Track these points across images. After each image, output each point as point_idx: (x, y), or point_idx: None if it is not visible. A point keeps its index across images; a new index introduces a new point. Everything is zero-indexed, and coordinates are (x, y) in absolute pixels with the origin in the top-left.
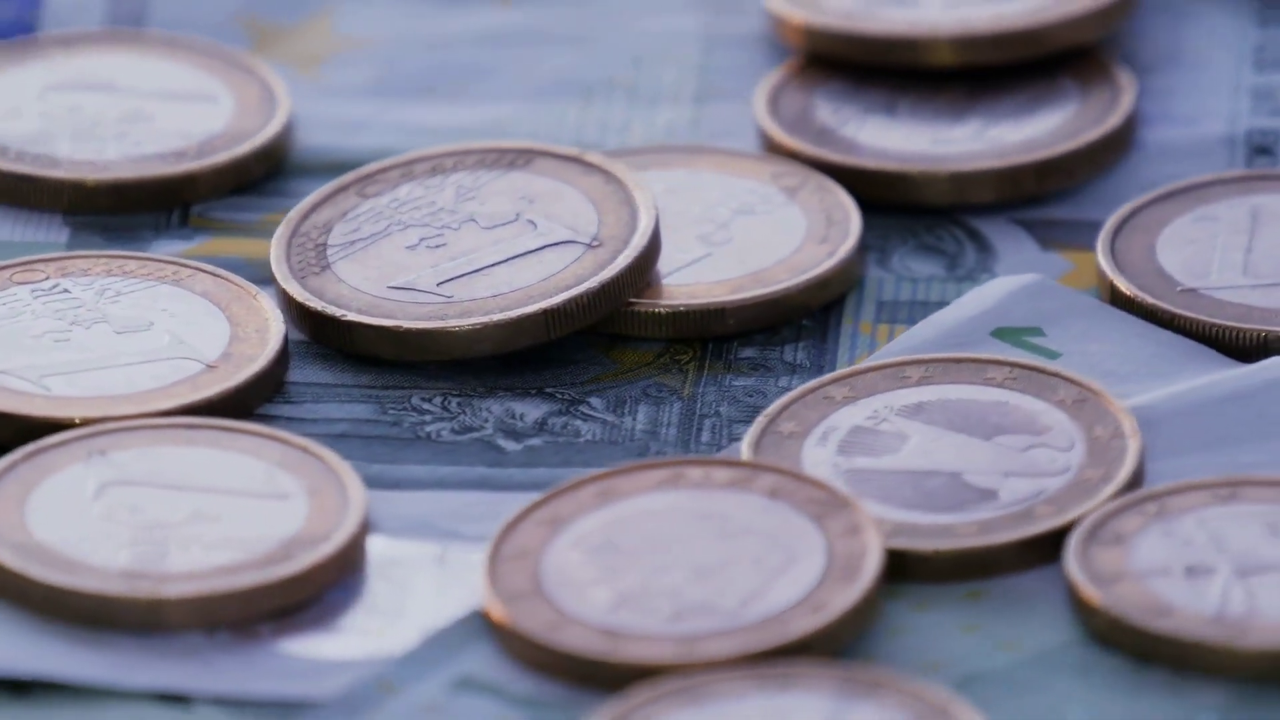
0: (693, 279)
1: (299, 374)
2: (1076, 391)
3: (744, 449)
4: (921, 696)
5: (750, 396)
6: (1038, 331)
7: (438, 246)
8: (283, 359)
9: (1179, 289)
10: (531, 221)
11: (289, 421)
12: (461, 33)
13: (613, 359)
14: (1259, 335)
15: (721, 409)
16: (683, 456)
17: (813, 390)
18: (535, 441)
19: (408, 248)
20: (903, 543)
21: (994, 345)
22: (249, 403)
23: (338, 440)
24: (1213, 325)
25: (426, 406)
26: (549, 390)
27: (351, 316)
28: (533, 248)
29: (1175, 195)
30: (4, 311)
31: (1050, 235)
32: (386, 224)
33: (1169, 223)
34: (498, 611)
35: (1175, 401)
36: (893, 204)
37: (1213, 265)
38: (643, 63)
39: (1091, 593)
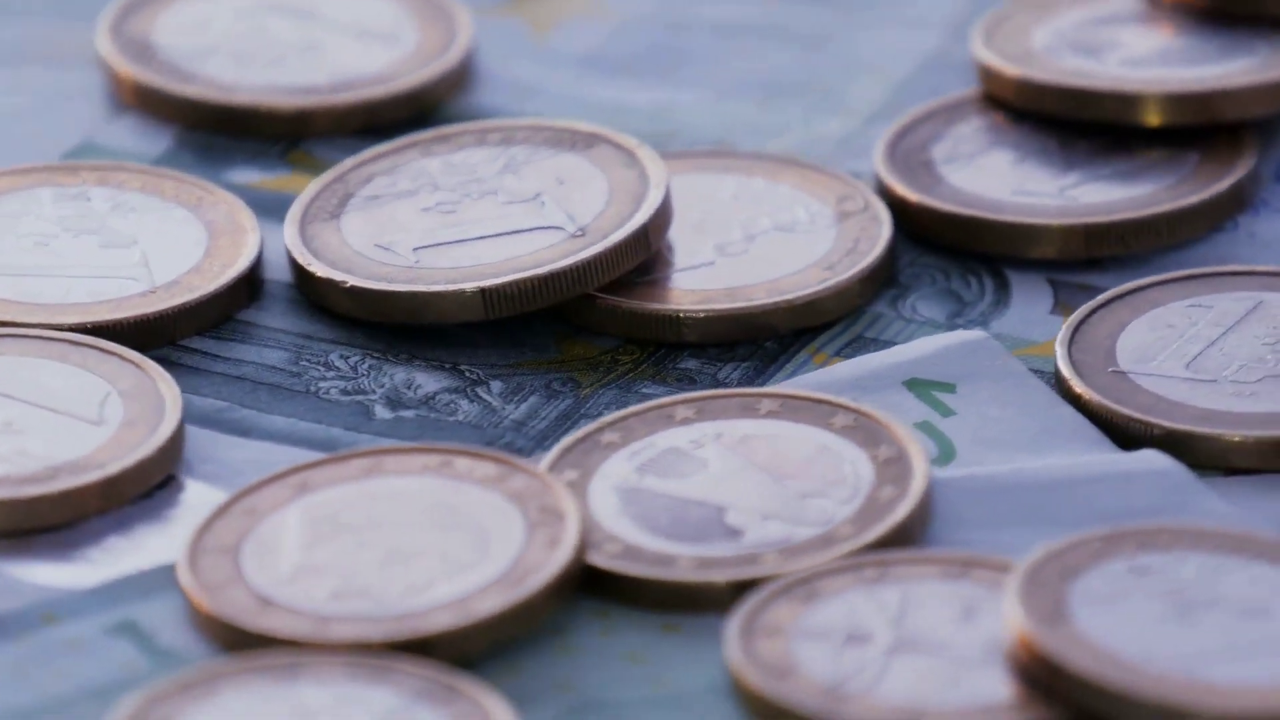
0: (686, 284)
1: (257, 315)
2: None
3: (553, 452)
4: (431, 678)
5: None
6: (949, 388)
7: (448, 213)
8: (233, 296)
9: (1110, 369)
10: (543, 202)
11: (201, 355)
12: (703, 18)
13: (559, 347)
14: (1150, 429)
15: (605, 413)
16: (462, 446)
17: (659, 407)
18: (408, 414)
19: (422, 210)
20: (618, 565)
21: (900, 394)
22: (169, 332)
23: (233, 381)
24: (1108, 409)
25: (338, 364)
26: (463, 367)
27: (314, 268)
28: (522, 227)
29: (1185, 280)
30: (14, 209)
31: (1070, 299)
32: (420, 184)
33: (1162, 304)
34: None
35: (1013, 477)
36: (958, 246)
37: (1164, 352)
38: (849, 72)
39: (732, 645)
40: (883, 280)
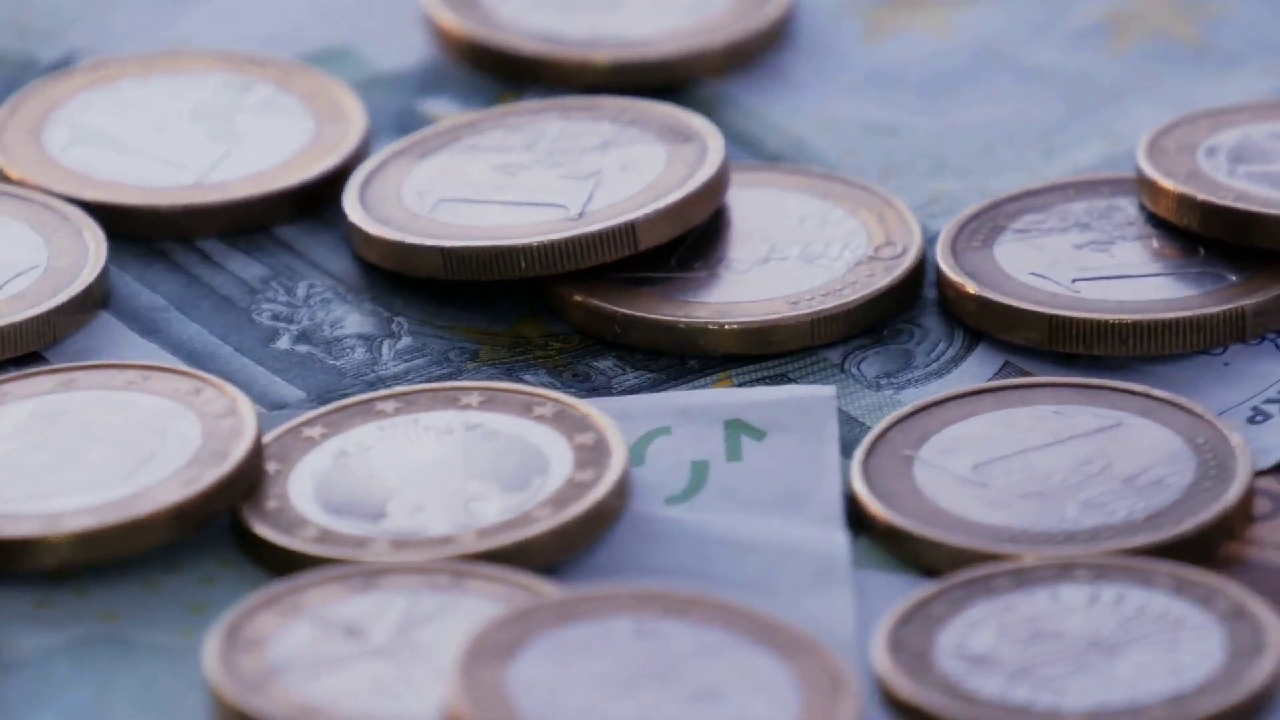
0: (663, 289)
1: (292, 232)
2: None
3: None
4: None
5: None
6: (758, 435)
7: (508, 175)
8: (271, 211)
9: (905, 450)
10: (581, 182)
11: (200, 256)
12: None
13: (514, 323)
14: (876, 520)
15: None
16: (160, 364)
17: (364, 402)
18: (303, 349)
19: (493, 167)
20: (265, 531)
21: (711, 429)
22: (184, 226)
23: (194, 285)
24: (853, 488)
25: (296, 292)
26: (400, 319)
27: (348, 206)
28: (535, 200)
29: (1064, 387)
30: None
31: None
32: (510, 144)
33: (1027, 404)
34: None
35: (690, 527)
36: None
37: (969, 450)
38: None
39: (211, 657)
40: (848, 327)
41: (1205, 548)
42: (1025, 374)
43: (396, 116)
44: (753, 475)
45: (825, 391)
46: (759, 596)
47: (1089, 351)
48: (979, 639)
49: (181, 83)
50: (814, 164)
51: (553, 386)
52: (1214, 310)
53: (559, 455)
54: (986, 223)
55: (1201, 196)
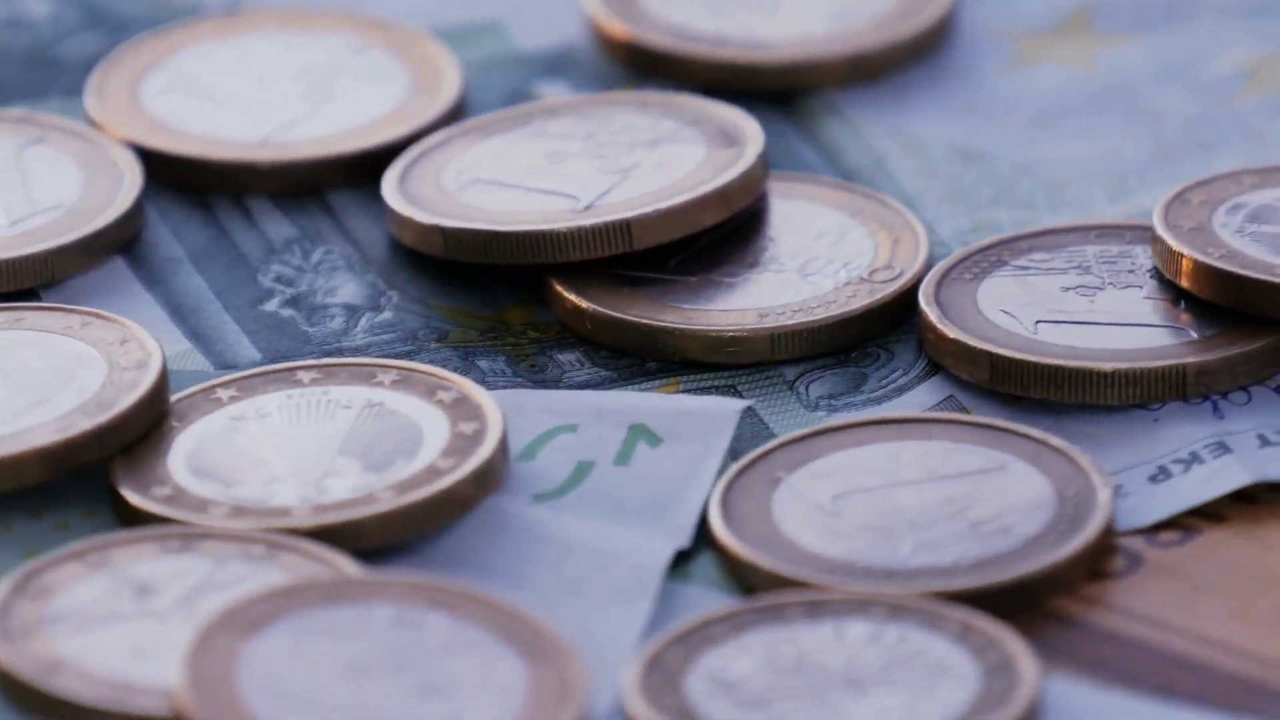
0: (644, 289)
1: (339, 196)
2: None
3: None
4: None
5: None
6: (655, 441)
7: (550, 162)
8: (324, 174)
9: (777, 473)
10: (610, 176)
11: (242, 212)
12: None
13: (501, 305)
14: (718, 541)
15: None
16: (100, 311)
17: (283, 370)
18: (287, 313)
19: (544, 153)
20: (122, 484)
21: (614, 431)
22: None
23: (221, 240)
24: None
25: (312, 258)
26: (389, 294)
27: (386, 178)
28: (554, 189)
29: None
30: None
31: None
32: (572, 133)
33: (925, 440)
34: None
35: (529, 523)
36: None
37: (832, 482)
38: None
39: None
40: (811, 346)
41: (1027, 599)
42: (963, 410)
43: (509, 95)
44: (630, 481)
45: (731, 405)
46: (564, 598)
47: (1025, 394)
48: (739, 665)
49: (304, 40)
50: (889, 182)
51: (504, 374)
52: (1152, 365)
53: (435, 440)
54: (991, 256)
55: (1186, 251)
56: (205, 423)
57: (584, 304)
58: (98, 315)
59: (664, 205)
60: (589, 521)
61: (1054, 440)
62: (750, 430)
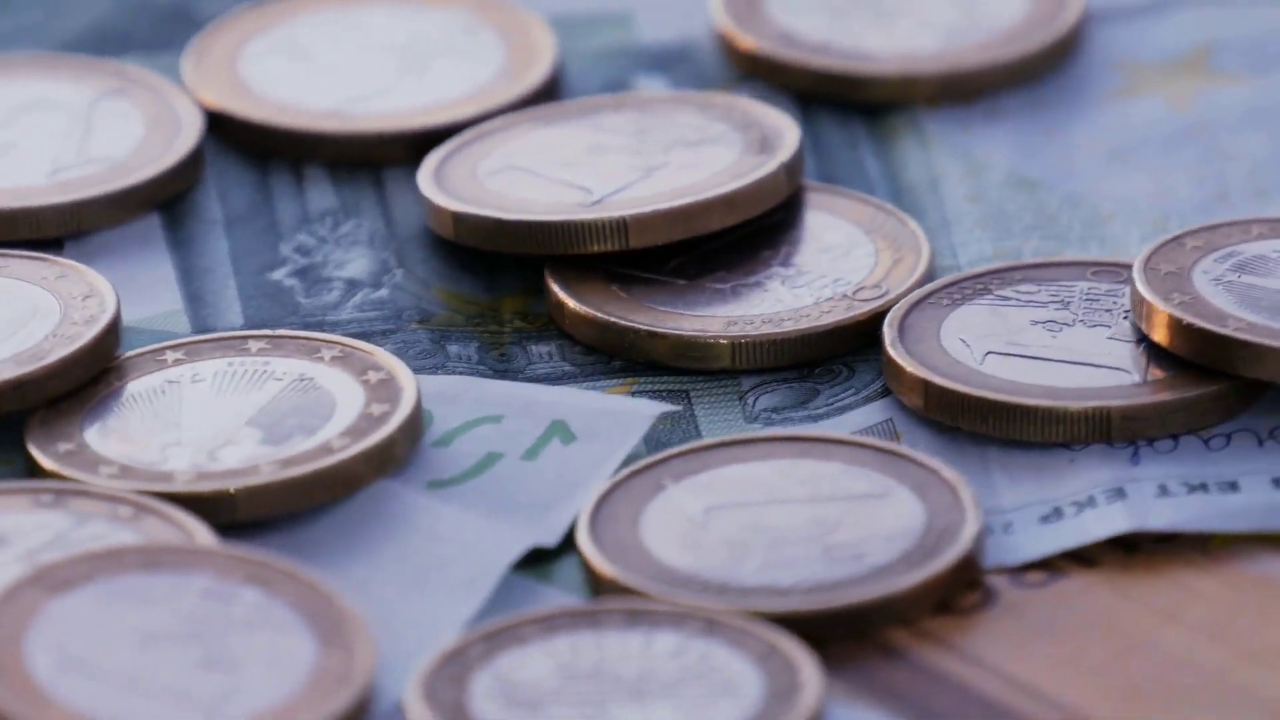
0: (634, 287)
1: (391, 169)
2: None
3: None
4: None
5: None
6: (570, 438)
7: (589, 155)
8: (379, 150)
9: (661, 482)
10: (635, 172)
11: (288, 175)
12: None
13: (501, 293)
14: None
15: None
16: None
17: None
18: (289, 282)
19: (587, 145)
20: (30, 437)
21: (533, 425)
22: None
23: (257, 209)
24: None
25: (340, 231)
26: (395, 273)
27: (426, 160)
28: (572, 181)
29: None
30: None
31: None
32: (623, 128)
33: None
34: None
35: (398, 505)
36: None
37: (710, 497)
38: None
39: None
40: (773, 358)
41: (857, 627)
42: (896, 435)
43: (608, 86)
44: (531, 476)
45: (648, 409)
46: (411, 586)
47: (955, 425)
48: (534, 667)
49: (420, 15)
50: (935, 202)
51: (469, 361)
52: (1077, 406)
53: (343, 419)
54: (979, 284)
55: (1147, 294)
56: (140, 383)
57: (563, 297)
58: (74, 269)
59: (663, 206)
60: (468, 513)
61: (946, 472)
62: (682, 436)
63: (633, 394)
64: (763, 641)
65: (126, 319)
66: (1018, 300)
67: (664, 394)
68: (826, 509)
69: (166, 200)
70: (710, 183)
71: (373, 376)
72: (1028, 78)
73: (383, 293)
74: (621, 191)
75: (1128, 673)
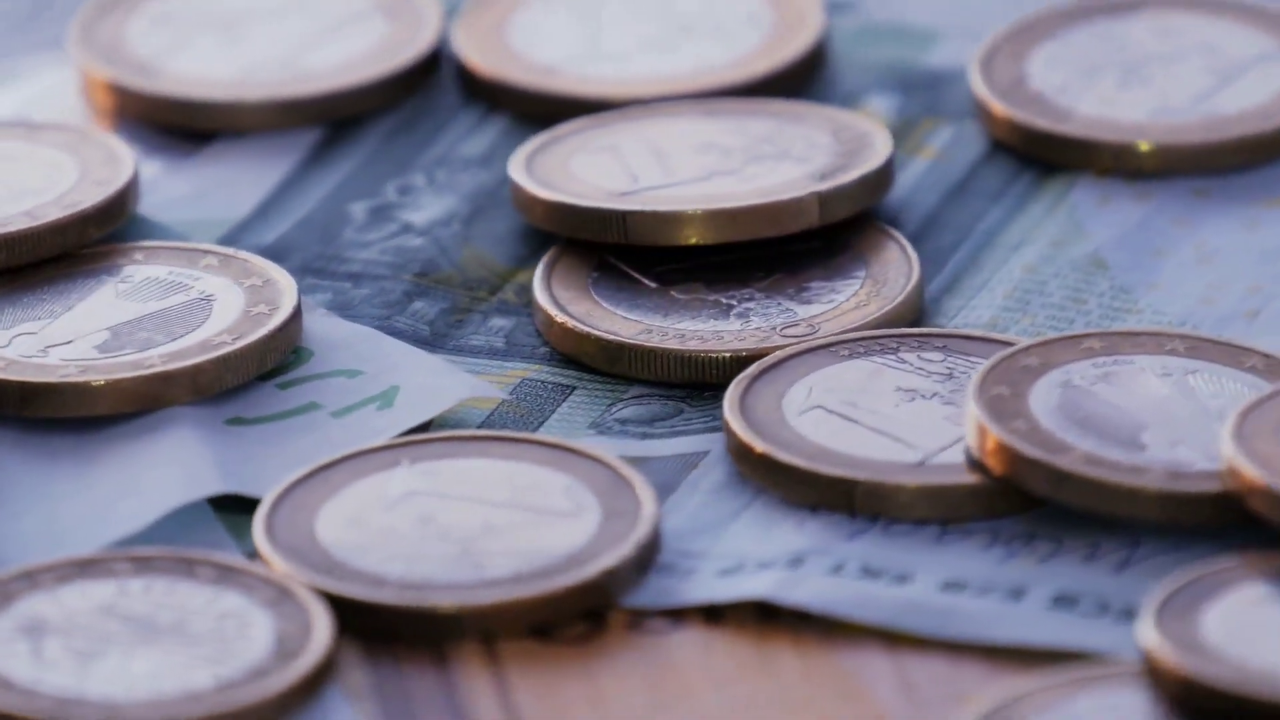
0: (607, 289)
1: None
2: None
3: None
4: None
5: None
6: (389, 406)
7: (690, 152)
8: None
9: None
10: (691, 171)
11: (476, 121)
12: None
13: (526, 264)
14: None
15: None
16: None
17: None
18: (360, 213)
19: (695, 144)
20: None
21: (379, 390)
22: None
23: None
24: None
25: (435, 181)
26: (453, 229)
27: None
28: (631, 167)
29: None
30: None
31: None
32: (750, 131)
33: None
34: None
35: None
36: None
37: None
38: None
39: None
40: (681, 373)
41: (426, 632)
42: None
43: (841, 97)
44: (316, 433)
45: (458, 390)
46: (121, 498)
47: (740, 468)
48: (54, 608)
49: None
50: (992, 256)
51: (423, 319)
52: (824, 472)
53: (203, 332)
54: (892, 342)
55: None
56: (83, 272)
57: (537, 285)
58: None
59: (661, 209)
60: (223, 450)
61: (647, 508)
62: (522, 426)
63: (522, 381)
64: (274, 588)
65: (184, 215)
66: (907, 366)
67: (549, 384)
68: (506, 515)
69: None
70: (739, 198)
71: (260, 309)
72: (1215, 164)
73: (419, 240)
74: (664, 189)
75: None
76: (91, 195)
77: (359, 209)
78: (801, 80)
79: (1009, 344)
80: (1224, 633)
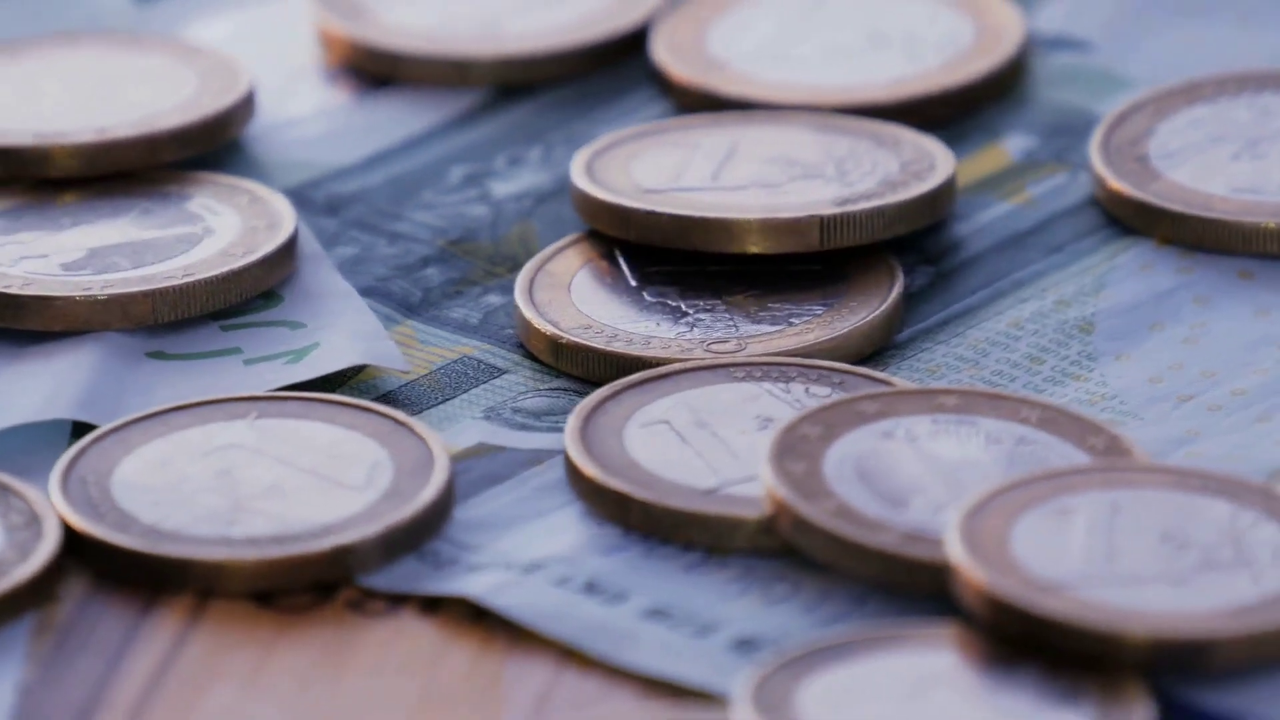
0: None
1: None
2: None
3: None
4: None
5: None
6: (298, 360)
7: (767, 161)
8: None
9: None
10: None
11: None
12: None
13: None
14: None
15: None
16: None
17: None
18: (457, 176)
19: (775, 158)
20: None
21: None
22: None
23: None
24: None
25: (525, 159)
26: (532, 200)
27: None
28: (682, 171)
29: None
30: None
31: None
32: (842, 153)
33: None
34: None
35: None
36: None
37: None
38: None
39: None
40: (607, 373)
41: (153, 579)
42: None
43: (980, 131)
44: (218, 377)
45: (355, 356)
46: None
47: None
48: None
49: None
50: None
51: (425, 285)
52: (610, 485)
53: (183, 261)
54: (775, 372)
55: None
56: (153, 198)
57: (528, 265)
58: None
59: (661, 211)
60: (121, 380)
61: (422, 494)
62: (423, 399)
63: (462, 357)
64: (28, 514)
65: (294, 155)
66: (786, 396)
67: (483, 365)
68: (299, 480)
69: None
70: (749, 208)
71: (240, 251)
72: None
73: (482, 210)
74: (691, 191)
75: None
76: (170, 120)
77: (457, 172)
78: (958, 106)
79: (883, 380)
80: (821, 708)
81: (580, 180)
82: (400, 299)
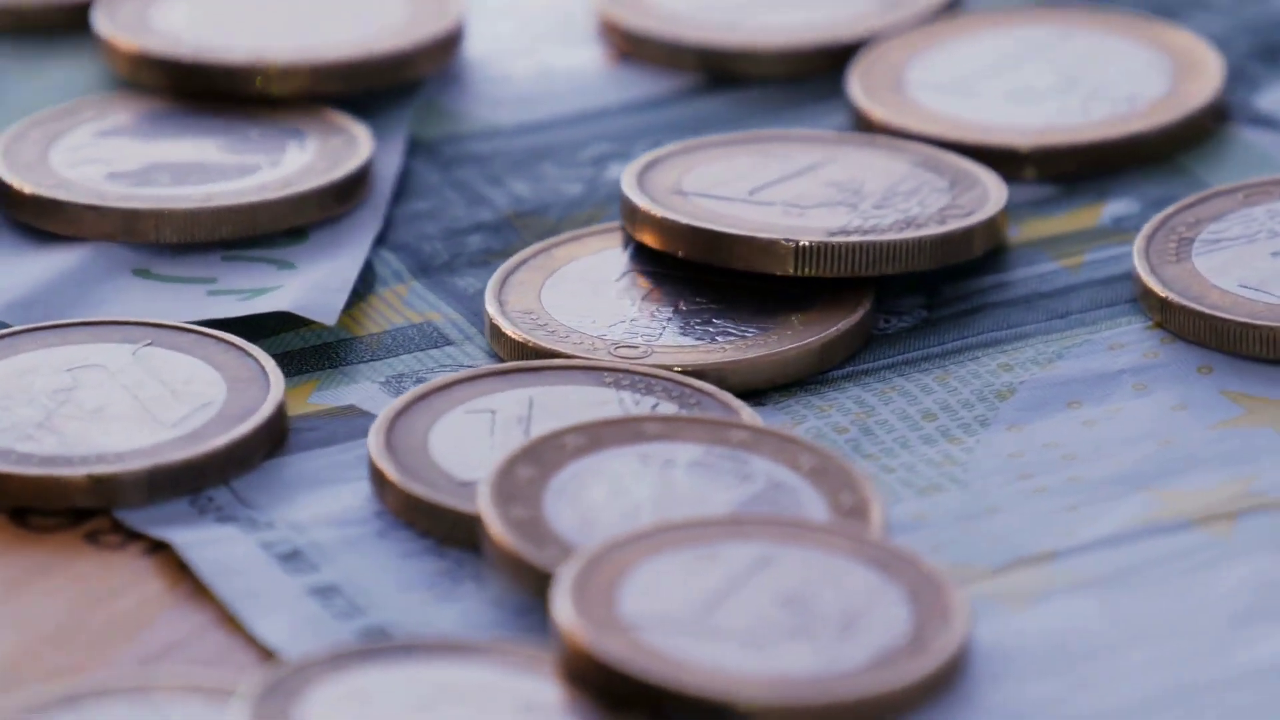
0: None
1: None
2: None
3: None
4: None
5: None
6: (261, 293)
7: (816, 181)
8: None
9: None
10: (795, 198)
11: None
12: None
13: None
14: None
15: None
16: None
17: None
18: (545, 147)
19: (827, 183)
20: None
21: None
22: None
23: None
24: None
25: (580, 158)
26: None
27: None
28: (758, 185)
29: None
30: None
31: None
32: (857, 169)
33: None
34: None
35: None
36: None
37: None
38: None
39: None
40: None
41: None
42: None
43: (1091, 188)
44: (187, 304)
45: (291, 305)
46: None
47: None
48: None
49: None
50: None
51: (459, 252)
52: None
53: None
54: (671, 389)
55: None
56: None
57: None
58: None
59: (661, 213)
60: (89, 290)
61: (207, 443)
62: (359, 356)
63: (425, 322)
64: None
65: (475, 109)
66: (620, 404)
67: (434, 334)
68: (126, 407)
69: None
70: (745, 223)
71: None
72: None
73: (578, 189)
74: (708, 198)
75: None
76: (351, 52)
77: (591, 151)
78: (1101, 157)
79: (731, 409)
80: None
81: (631, 172)
82: (423, 258)
